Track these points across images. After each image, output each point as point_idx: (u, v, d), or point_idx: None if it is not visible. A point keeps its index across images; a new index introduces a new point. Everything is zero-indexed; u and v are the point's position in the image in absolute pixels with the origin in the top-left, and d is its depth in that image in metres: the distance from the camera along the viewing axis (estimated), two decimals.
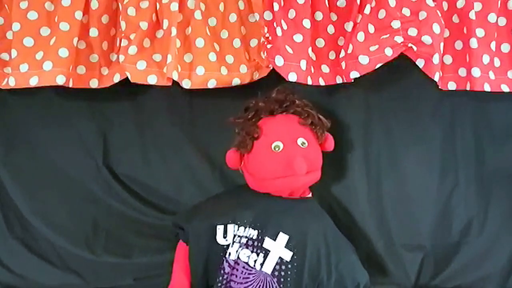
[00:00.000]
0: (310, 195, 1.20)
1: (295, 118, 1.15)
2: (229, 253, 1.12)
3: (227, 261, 1.12)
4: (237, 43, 1.19)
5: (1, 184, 1.31)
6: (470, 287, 1.29)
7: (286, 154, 1.09)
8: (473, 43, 1.12)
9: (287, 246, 1.10)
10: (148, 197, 1.34)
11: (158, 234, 1.32)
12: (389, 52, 1.10)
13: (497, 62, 1.16)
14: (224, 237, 1.13)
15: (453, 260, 1.30)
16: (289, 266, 1.10)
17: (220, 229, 1.13)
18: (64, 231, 1.32)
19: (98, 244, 1.33)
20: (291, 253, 1.10)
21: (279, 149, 1.10)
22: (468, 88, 1.14)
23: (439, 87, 1.16)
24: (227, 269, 1.12)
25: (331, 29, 1.18)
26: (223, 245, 1.13)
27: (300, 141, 1.12)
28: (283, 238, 1.11)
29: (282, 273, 1.10)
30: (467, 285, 1.29)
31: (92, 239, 1.33)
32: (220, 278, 1.12)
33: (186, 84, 1.14)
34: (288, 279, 1.09)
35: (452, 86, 1.17)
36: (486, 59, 1.13)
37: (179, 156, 1.33)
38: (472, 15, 1.12)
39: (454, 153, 1.29)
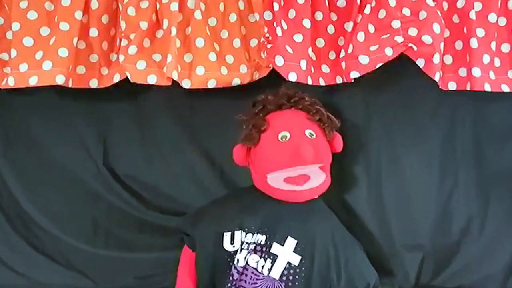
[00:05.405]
0: (316, 196, 1.18)
1: (303, 113, 1.13)
2: (237, 260, 1.11)
3: (235, 267, 1.11)
4: (237, 43, 1.19)
5: (3, 184, 1.31)
6: (471, 287, 1.29)
7: (293, 143, 1.06)
8: (473, 43, 1.12)
9: (295, 251, 1.10)
10: (149, 196, 1.34)
11: (159, 233, 1.32)
12: (389, 52, 1.10)
13: (497, 62, 1.16)
14: (231, 244, 1.11)
15: (453, 260, 1.30)
16: (297, 270, 1.09)
17: (227, 236, 1.11)
18: (66, 230, 1.32)
19: (99, 243, 1.33)
20: (299, 257, 1.09)
21: (286, 138, 1.07)
22: (468, 88, 1.14)
23: (439, 87, 1.16)
24: (236, 276, 1.11)
25: (331, 29, 1.18)
26: (230, 252, 1.12)
27: (308, 132, 1.09)
28: (291, 242, 1.10)
29: (290, 278, 1.09)
30: (468, 285, 1.29)
31: (93, 238, 1.33)
32: (229, 284, 1.11)
33: (186, 84, 1.14)
34: (296, 283, 1.09)
35: (452, 86, 1.17)
36: (486, 59, 1.13)
37: (179, 155, 1.33)
38: (472, 15, 1.12)
39: (454, 153, 1.29)
